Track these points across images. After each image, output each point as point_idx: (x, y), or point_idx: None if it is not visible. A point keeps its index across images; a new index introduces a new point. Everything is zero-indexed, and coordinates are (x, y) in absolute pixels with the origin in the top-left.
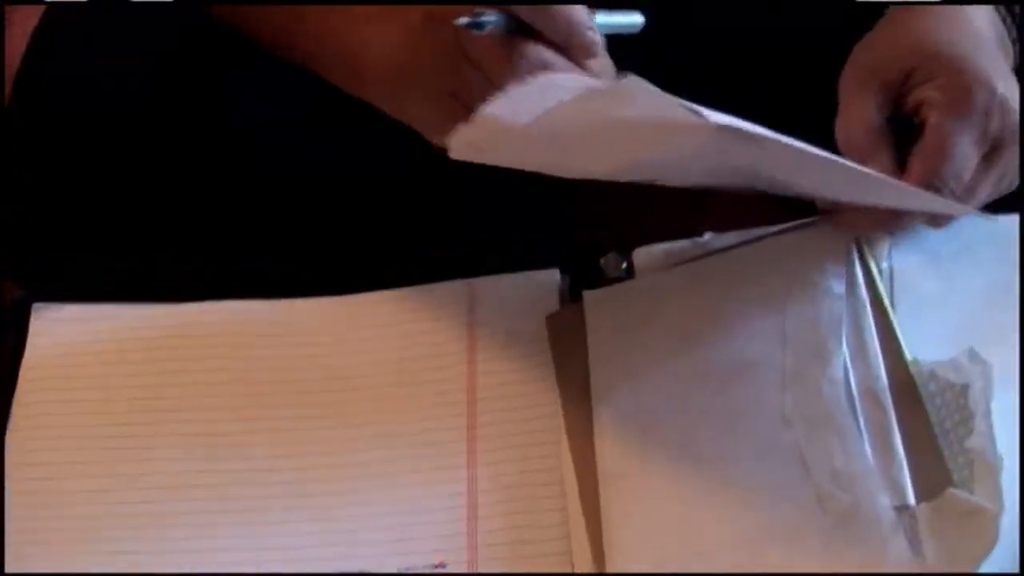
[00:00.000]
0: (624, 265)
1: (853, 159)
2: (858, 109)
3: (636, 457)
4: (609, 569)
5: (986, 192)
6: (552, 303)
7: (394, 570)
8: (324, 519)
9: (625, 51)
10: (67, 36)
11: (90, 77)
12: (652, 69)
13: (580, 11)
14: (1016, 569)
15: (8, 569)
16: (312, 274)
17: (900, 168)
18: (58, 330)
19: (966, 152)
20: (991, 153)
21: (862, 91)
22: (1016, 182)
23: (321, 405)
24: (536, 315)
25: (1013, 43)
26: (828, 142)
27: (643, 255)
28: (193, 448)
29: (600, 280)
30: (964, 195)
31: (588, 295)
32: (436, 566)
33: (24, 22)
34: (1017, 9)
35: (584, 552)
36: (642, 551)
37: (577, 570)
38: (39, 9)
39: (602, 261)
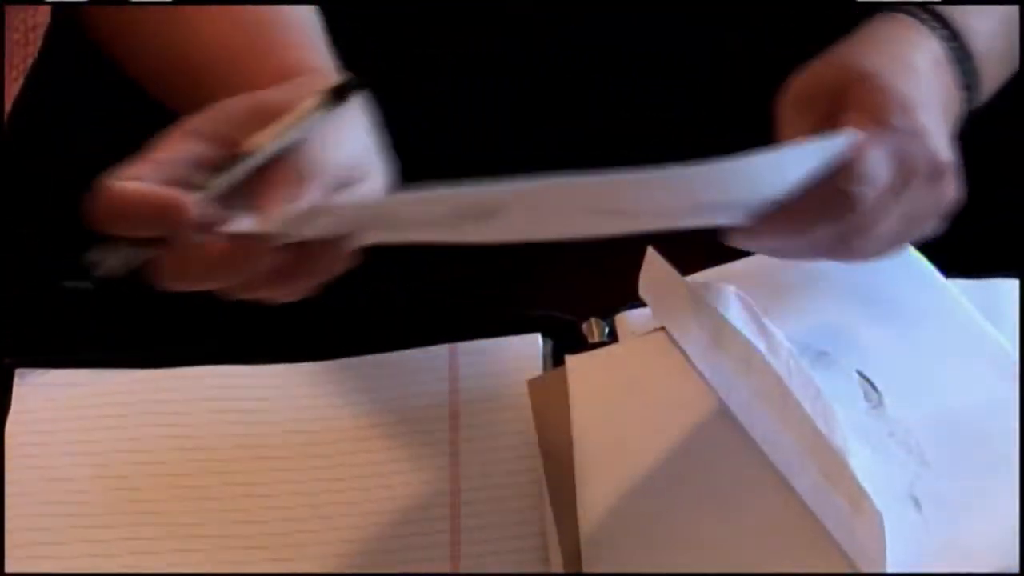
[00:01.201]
0: (607, 330)
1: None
2: (793, 133)
3: (621, 530)
4: None
5: (890, 225)
6: (535, 368)
7: None
8: None
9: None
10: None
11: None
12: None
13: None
14: (1016, 569)
15: None
16: (291, 339)
17: None
18: (40, 395)
19: (877, 159)
20: (900, 181)
21: (797, 116)
22: (928, 231)
23: (303, 470)
24: (518, 380)
25: (961, 89)
26: None
27: (626, 319)
28: (179, 515)
29: (583, 345)
30: (870, 217)
31: (571, 360)
32: None
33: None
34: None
35: None
36: None
37: None
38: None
39: (584, 326)
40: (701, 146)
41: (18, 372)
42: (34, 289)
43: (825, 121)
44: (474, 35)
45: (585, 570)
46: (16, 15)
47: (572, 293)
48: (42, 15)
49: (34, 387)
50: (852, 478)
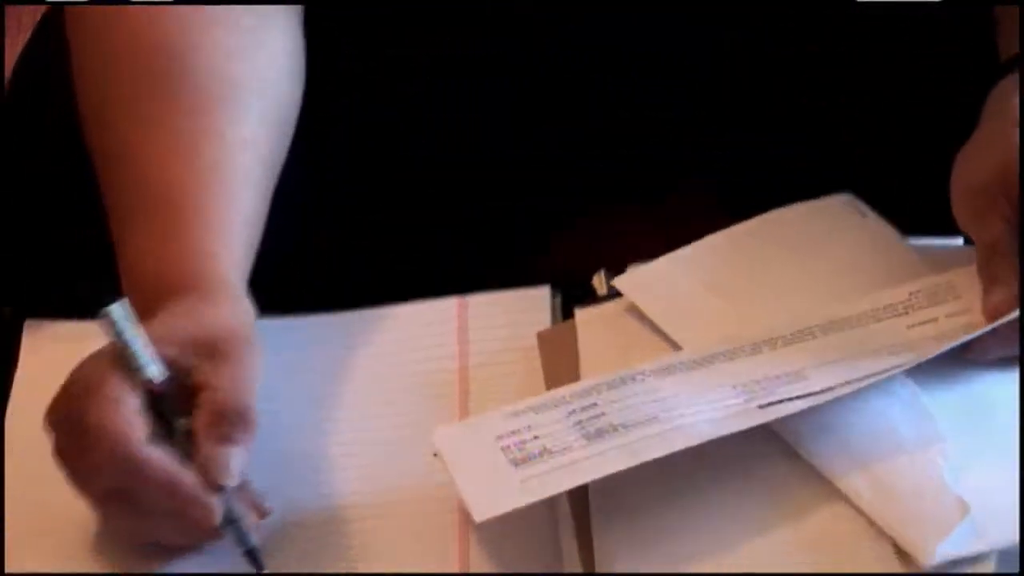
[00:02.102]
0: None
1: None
2: (992, 235)
3: (628, 482)
4: None
5: None
6: (544, 320)
7: None
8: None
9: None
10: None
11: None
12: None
13: (187, 486)
14: (1016, 569)
15: None
16: (300, 290)
17: None
18: (50, 347)
19: None
20: None
21: (989, 214)
22: None
23: (311, 423)
24: (528, 332)
25: None
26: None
27: (636, 269)
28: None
29: (592, 298)
30: None
31: (580, 313)
32: None
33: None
34: None
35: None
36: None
37: None
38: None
39: (594, 279)
40: (701, 146)
41: (27, 324)
42: (42, 242)
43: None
44: (474, 35)
45: (594, 523)
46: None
47: (582, 246)
48: None
49: (43, 339)
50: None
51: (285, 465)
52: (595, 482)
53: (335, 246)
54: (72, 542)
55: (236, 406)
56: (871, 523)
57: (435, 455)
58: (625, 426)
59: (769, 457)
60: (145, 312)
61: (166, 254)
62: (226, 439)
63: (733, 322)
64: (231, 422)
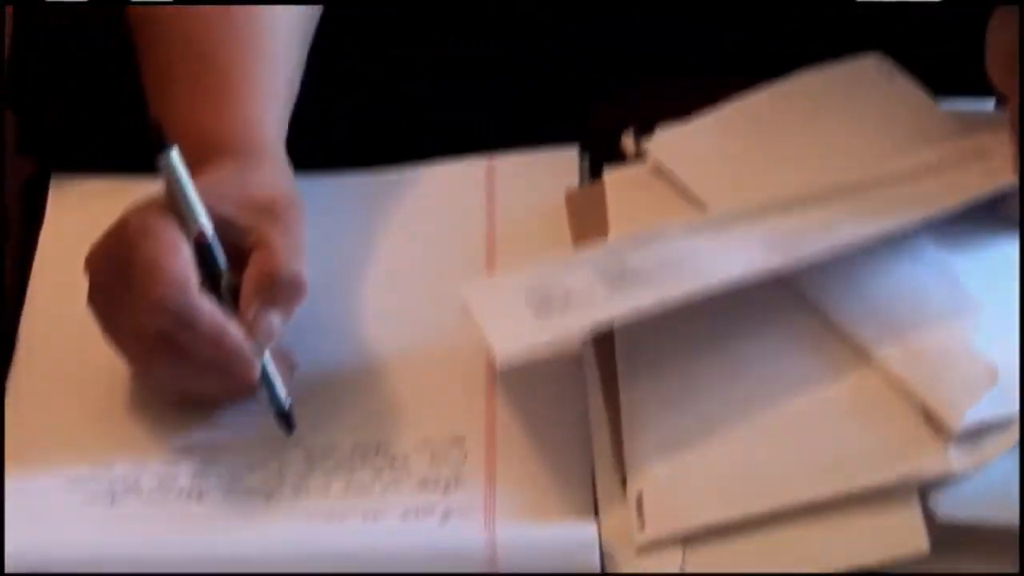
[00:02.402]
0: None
1: None
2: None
3: (655, 338)
4: (627, 453)
5: None
6: (572, 180)
7: (413, 444)
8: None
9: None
10: None
11: None
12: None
13: (233, 340)
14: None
15: (8, 459)
16: (329, 149)
17: None
18: (78, 203)
19: None
20: None
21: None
22: None
23: (338, 279)
24: (556, 192)
25: None
26: None
27: (666, 131)
28: None
29: (621, 159)
30: None
31: (609, 173)
32: (454, 440)
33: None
34: None
35: (602, 429)
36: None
37: (596, 453)
38: None
39: (623, 139)
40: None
41: (54, 179)
42: (70, 97)
43: None
44: (475, 35)
45: (621, 381)
46: None
47: (612, 107)
48: None
49: (70, 195)
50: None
51: (311, 322)
52: (622, 340)
53: (367, 104)
54: (102, 397)
55: (288, 272)
56: (901, 388)
57: (462, 309)
58: (652, 275)
59: (800, 323)
60: (194, 171)
61: (210, 115)
62: (273, 303)
63: (763, 183)
64: (280, 287)
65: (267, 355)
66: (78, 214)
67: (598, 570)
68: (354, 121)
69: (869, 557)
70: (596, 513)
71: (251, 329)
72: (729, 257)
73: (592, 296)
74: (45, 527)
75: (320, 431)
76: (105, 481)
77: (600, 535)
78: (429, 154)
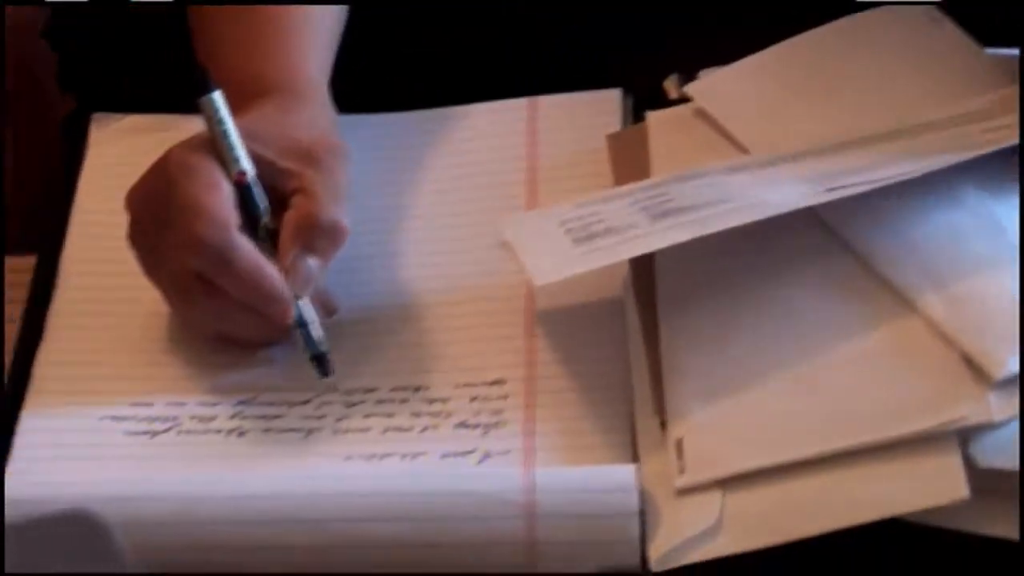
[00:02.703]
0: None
1: None
2: None
3: (696, 283)
4: (668, 398)
5: None
6: (614, 123)
7: (452, 387)
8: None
9: None
10: None
11: None
12: None
13: (270, 281)
14: None
15: (48, 396)
16: (371, 89)
17: None
18: (117, 140)
19: None
20: None
21: None
22: None
23: (379, 220)
24: (598, 134)
25: None
26: None
27: (708, 76)
28: None
29: (664, 102)
30: None
31: (652, 116)
32: (493, 382)
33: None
34: None
35: (642, 373)
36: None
37: (636, 397)
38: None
39: (666, 82)
40: None
41: (94, 117)
42: (111, 34)
43: None
44: (476, 34)
45: (661, 325)
46: None
47: (654, 50)
48: None
49: (110, 132)
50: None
51: (352, 263)
52: (663, 285)
53: (410, 49)
54: (141, 336)
55: (327, 217)
56: (942, 335)
57: (501, 243)
58: (692, 207)
59: (842, 269)
60: (235, 111)
61: (255, 57)
62: (312, 249)
63: (806, 127)
64: (319, 232)
65: (304, 298)
66: (118, 151)
67: (637, 513)
68: (398, 66)
69: (908, 504)
70: (635, 457)
71: (288, 274)
72: (771, 191)
73: (632, 227)
74: (84, 464)
75: (360, 373)
76: (145, 419)
77: (639, 479)
78: (471, 99)
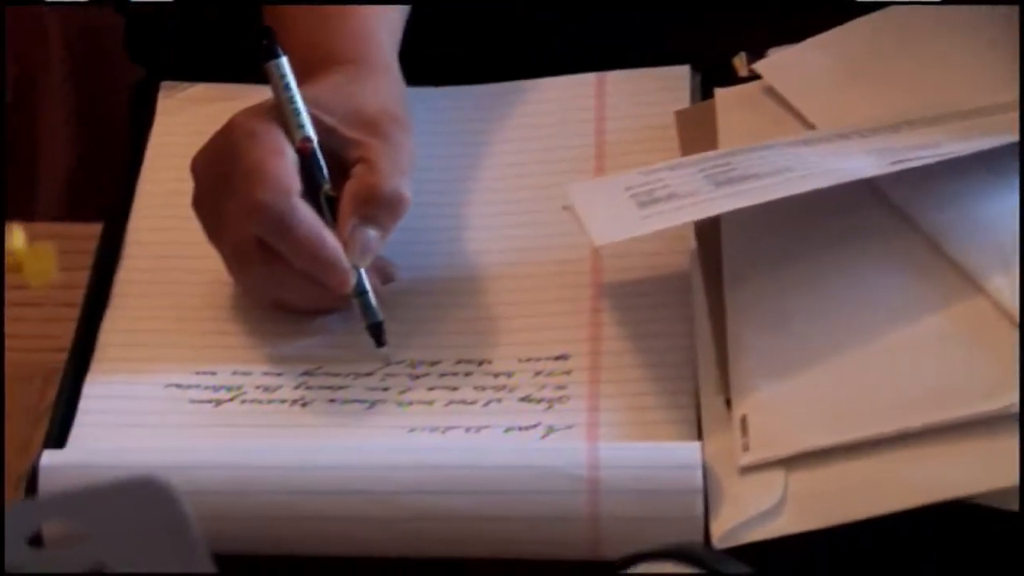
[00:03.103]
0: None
1: None
2: None
3: (763, 261)
4: (733, 376)
5: None
6: (682, 99)
7: (516, 361)
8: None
9: None
10: None
11: None
12: None
13: (330, 249)
14: None
15: (110, 363)
16: (440, 62)
17: None
18: (185, 109)
19: None
20: None
21: None
22: None
23: (451, 192)
24: (666, 110)
25: None
26: None
27: (778, 54)
28: None
29: (732, 79)
30: None
31: (720, 93)
32: (558, 357)
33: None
34: None
35: (707, 350)
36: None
37: (700, 374)
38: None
39: (735, 60)
40: None
41: (162, 86)
42: (179, 3)
43: None
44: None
45: (728, 302)
46: None
47: (724, 27)
48: None
49: (178, 101)
50: None
51: (419, 232)
52: (730, 261)
53: (480, 23)
54: (207, 304)
55: (389, 190)
56: (1009, 318)
57: (565, 208)
58: (756, 176)
59: (909, 249)
60: (300, 80)
61: (324, 26)
62: (371, 220)
63: (873, 105)
64: (380, 205)
65: (362, 267)
66: (185, 120)
67: (701, 490)
68: (469, 40)
69: (970, 487)
70: (700, 434)
71: (347, 243)
72: (836, 162)
73: (695, 193)
74: (148, 432)
75: (424, 345)
76: (209, 388)
77: (703, 456)
78: (541, 74)
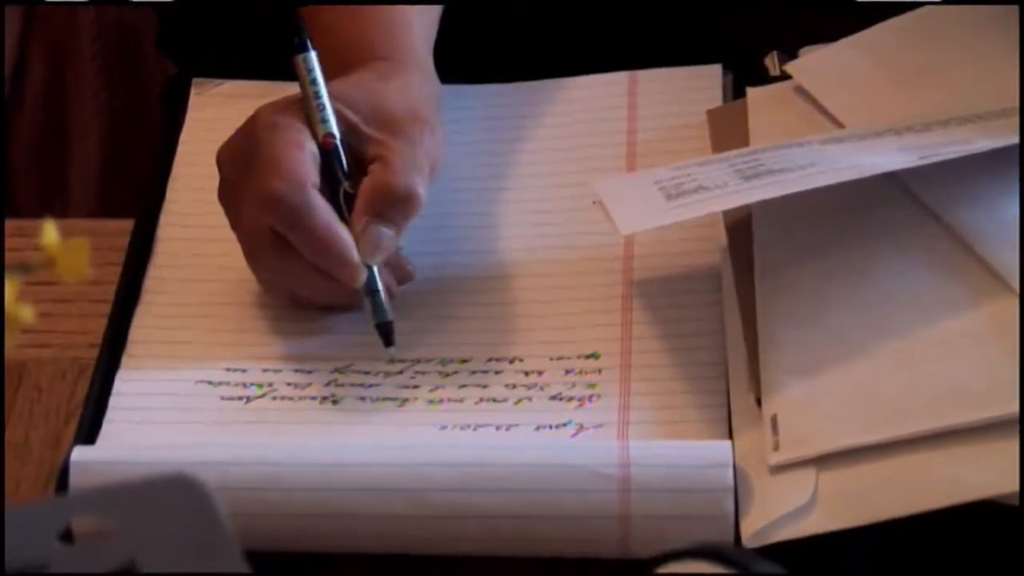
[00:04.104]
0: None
1: None
2: None
3: (794, 259)
4: (763, 375)
5: None
6: (714, 98)
7: (547, 359)
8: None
9: None
10: None
11: None
12: None
13: (341, 244)
14: None
15: (130, 353)
16: (472, 60)
17: None
18: (216, 105)
19: None
20: None
21: None
22: None
23: (480, 190)
24: (697, 109)
25: None
26: None
27: (809, 55)
28: None
29: (764, 78)
30: None
31: (752, 92)
32: (588, 355)
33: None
34: None
35: (738, 349)
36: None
37: (731, 372)
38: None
39: (767, 59)
40: None
41: (195, 82)
42: (210, 3)
43: None
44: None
45: (758, 296)
46: None
47: (755, 27)
48: None
49: (209, 98)
50: None
51: (451, 230)
52: (761, 260)
53: (515, 16)
54: (238, 301)
55: (403, 188)
56: None
57: (594, 202)
58: (784, 170)
59: (940, 249)
60: (332, 76)
61: (359, 23)
62: (384, 218)
63: (905, 106)
64: (393, 203)
65: (375, 265)
66: (217, 117)
67: (731, 489)
68: (503, 38)
69: (1001, 487)
70: (730, 433)
71: (359, 240)
72: (864, 157)
73: (723, 186)
74: (179, 428)
75: (455, 343)
76: (239, 384)
77: (733, 454)
78: (572, 72)
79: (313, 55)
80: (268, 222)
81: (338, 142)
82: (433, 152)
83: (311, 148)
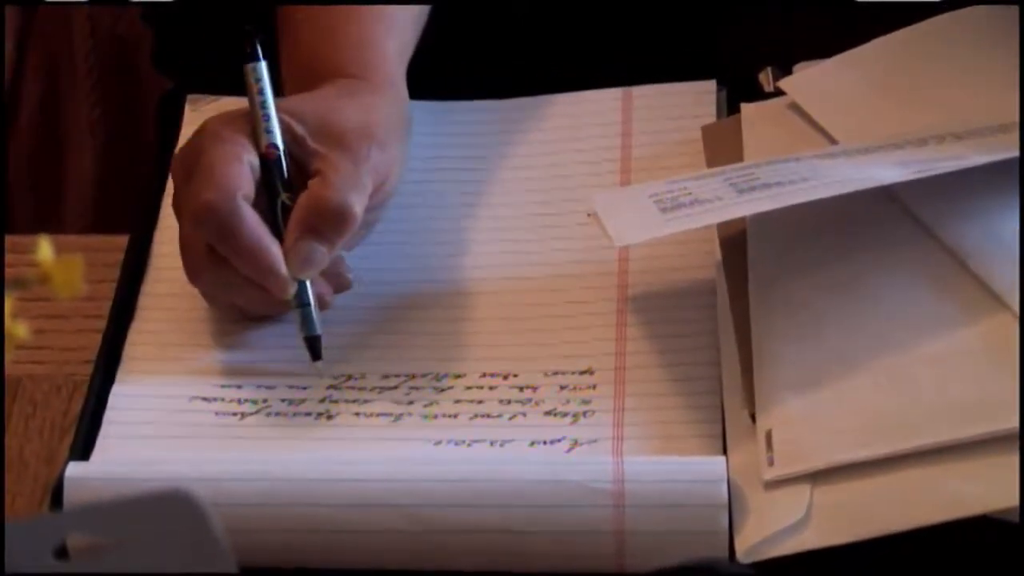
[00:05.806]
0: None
1: None
2: None
3: (789, 275)
4: (758, 390)
5: None
6: (709, 114)
7: (541, 375)
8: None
9: None
10: None
11: None
12: None
13: (269, 256)
14: None
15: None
16: (466, 76)
17: None
18: None
19: None
20: None
21: None
22: None
23: (472, 206)
24: (692, 125)
25: None
26: None
27: (803, 71)
28: None
29: (758, 94)
30: None
31: (746, 108)
32: (583, 371)
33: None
34: None
35: (732, 364)
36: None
37: (725, 388)
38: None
39: (760, 75)
40: None
41: (189, 98)
42: (207, 16)
43: None
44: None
45: (753, 313)
46: None
47: (750, 42)
48: None
49: (204, 113)
50: None
51: (445, 246)
52: (755, 276)
53: (506, 31)
54: (226, 313)
55: (337, 204)
56: None
57: (589, 215)
58: (778, 183)
59: (935, 266)
60: (299, 90)
61: (332, 39)
62: (317, 233)
63: (899, 123)
64: (327, 218)
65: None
66: None
67: (726, 504)
68: (493, 54)
69: (997, 503)
70: (725, 448)
71: (287, 255)
72: (858, 171)
73: (718, 199)
74: (172, 443)
75: (450, 358)
76: (234, 401)
77: (728, 470)
78: (566, 88)
79: (263, 65)
80: (200, 233)
81: (281, 153)
82: (382, 170)
83: (250, 159)
